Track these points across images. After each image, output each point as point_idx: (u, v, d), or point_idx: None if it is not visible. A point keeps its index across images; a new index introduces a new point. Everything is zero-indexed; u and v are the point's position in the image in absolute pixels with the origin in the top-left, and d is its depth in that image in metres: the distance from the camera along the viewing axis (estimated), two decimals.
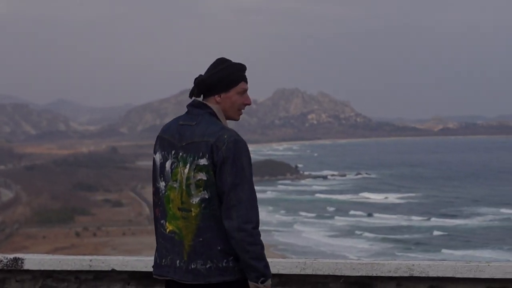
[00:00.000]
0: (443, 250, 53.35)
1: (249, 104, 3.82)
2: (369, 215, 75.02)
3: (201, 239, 3.65)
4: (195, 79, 3.75)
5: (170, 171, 3.77)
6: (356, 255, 51.49)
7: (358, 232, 63.38)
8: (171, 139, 3.78)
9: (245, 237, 3.57)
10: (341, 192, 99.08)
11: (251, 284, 3.63)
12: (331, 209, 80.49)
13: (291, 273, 4.63)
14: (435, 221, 69.70)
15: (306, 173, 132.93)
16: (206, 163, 3.61)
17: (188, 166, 3.67)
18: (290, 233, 64.47)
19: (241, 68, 3.79)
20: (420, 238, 59.91)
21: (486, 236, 59.80)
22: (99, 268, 4.99)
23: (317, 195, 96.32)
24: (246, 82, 3.80)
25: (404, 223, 68.88)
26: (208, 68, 3.76)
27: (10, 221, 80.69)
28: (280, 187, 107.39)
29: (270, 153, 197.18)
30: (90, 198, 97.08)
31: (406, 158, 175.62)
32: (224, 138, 3.62)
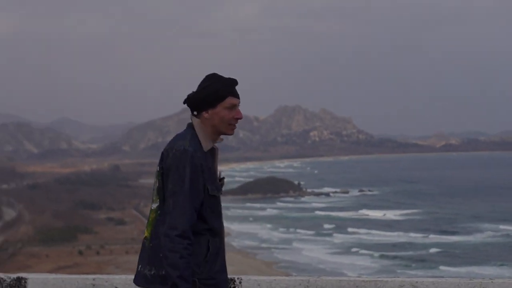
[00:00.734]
0: (442, 267, 53.20)
1: (239, 118, 3.81)
2: (368, 232, 74.76)
3: (151, 244, 3.73)
4: (187, 95, 3.82)
5: None
6: (356, 272, 51.43)
7: (357, 250, 63.21)
8: None
9: (166, 243, 3.57)
10: (340, 209, 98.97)
11: None
12: (330, 226, 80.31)
13: None
14: (434, 237, 69.52)
15: (309, 190, 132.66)
16: (158, 170, 3.77)
17: (155, 173, 3.83)
18: (290, 251, 64.32)
19: (229, 83, 3.79)
20: (419, 255, 59.74)
21: (485, 252, 59.57)
22: (102, 287, 4.94)
23: (317, 212, 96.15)
24: (236, 96, 3.80)
25: (403, 240, 68.65)
26: (199, 85, 3.82)
27: (13, 240, 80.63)
28: (279, 204, 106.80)
29: (271, 170, 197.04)
30: (93, 217, 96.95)
31: (407, 174, 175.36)
32: (174, 147, 3.71)
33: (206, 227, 3.75)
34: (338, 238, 71.86)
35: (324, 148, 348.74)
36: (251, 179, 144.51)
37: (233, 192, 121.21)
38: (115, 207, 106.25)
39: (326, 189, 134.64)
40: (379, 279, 4.66)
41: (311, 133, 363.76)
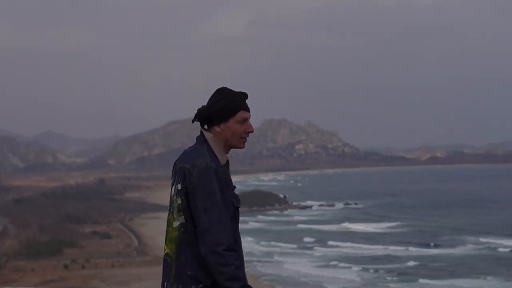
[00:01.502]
0: (421, 280, 53.18)
1: (251, 132, 3.87)
2: (349, 245, 74.47)
3: (177, 262, 3.74)
4: (198, 109, 3.86)
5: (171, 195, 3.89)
6: (337, 285, 51.75)
7: (337, 263, 63.11)
8: (175, 165, 3.88)
9: (217, 259, 3.60)
10: (323, 222, 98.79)
11: None
12: (311, 239, 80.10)
13: None
14: (414, 250, 69.49)
15: (294, 203, 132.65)
16: (180, 188, 3.74)
17: (173, 190, 3.81)
18: (272, 264, 64.15)
19: (240, 97, 3.83)
20: (398, 268, 59.69)
21: (466, 265, 59.44)
22: None
23: (299, 225, 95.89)
24: (247, 110, 3.85)
25: (384, 253, 68.57)
26: (209, 99, 3.84)
27: None
28: (261, 217, 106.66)
29: (256, 183, 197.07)
30: (79, 230, 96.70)
31: (392, 187, 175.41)
32: (196, 164, 3.72)
33: (234, 240, 3.77)
34: (319, 251, 71.77)
35: (310, 161, 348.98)
36: (236, 193, 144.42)
37: None
38: (101, 221, 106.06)
39: (311, 202, 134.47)
40: None
41: (297, 146, 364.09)
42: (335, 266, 61.87)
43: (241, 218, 4.10)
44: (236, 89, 3.88)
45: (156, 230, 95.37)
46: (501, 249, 68.08)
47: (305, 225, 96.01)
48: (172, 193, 3.82)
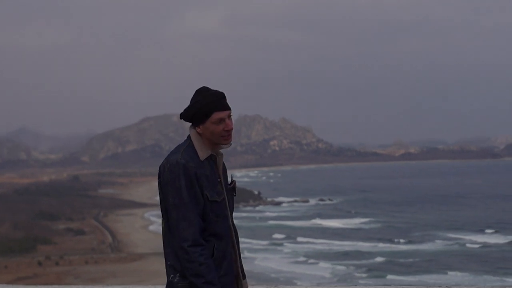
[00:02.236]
0: (389, 276, 53.20)
1: (228, 130, 3.94)
2: (318, 241, 74.44)
3: (164, 253, 3.94)
4: (180, 113, 4.00)
5: None
6: (309, 281, 51.87)
7: (307, 259, 63.09)
8: None
9: (183, 255, 3.75)
10: (294, 218, 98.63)
11: None
12: (281, 236, 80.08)
13: None
14: (383, 246, 69.74)
15: (269, 199, 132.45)
16: (158, 183, 3.90)
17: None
18: (243, 260, 64.41)
19: (213, 99, 3.91)
20: (368, 263, 59.83)
21: (434, 261, 59.48)
22: None
23: (270, 221, 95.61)
24: (223, 109, 3.92)
25: (352, 248, 68.64)
26: (190, 99, 3.95)
27: None
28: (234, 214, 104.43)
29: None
30: (52, 227, 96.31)
31: (365, 183, 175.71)
32: (169, 161, 3.85)
33: (210, 233, 3.88)
34: (288, 247, 71.76)
35: (284, 157, 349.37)
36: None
37: None
38: (74, 218, 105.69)
39: (286, 199, 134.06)
40: (337, 287, 4.84)
41: (271, 142, 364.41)
42: (305, 262, 61.83)
43: None
44: (212, 86, 4.01)
45: (130, 227, 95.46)
46: (469, 245, 68.74)
47: (276, 221, 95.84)
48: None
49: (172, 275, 3.84)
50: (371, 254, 64.83)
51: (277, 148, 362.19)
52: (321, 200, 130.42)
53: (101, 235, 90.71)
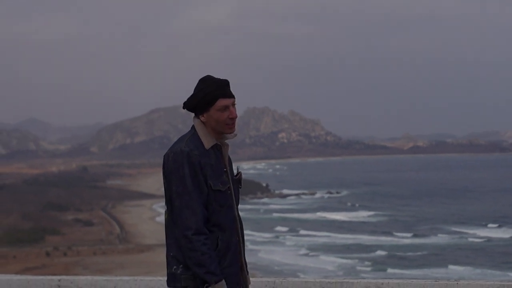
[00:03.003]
0: (391, 270, 53.13)
1: (233, 117, 3.93)
2: (322, 234, 74.38)
3: (166, 243, 3.93)
4: (184, 102, 3.99)
5: None
6: (312, 274, 51.81)
7: (310, 252, 63.18)
8: None
9: (186, 244, 3.74)
10: (299, 211, 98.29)
11: None
12: (284, 228, 79.98)
13: None
14: (388, 240, 69.78)
15: (277, 191, 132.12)
16: (163, 173, 3.88)
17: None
18: (247, 253, 64.06)
19: (217, 86, 3.90)
20: (371, 257, 59.81)
21: (438, 255, 59.40)
22: None
23: (274, 214, 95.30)
24: (227, 97, 3.92)
25: (355, 242, 68.64)
26: (194, 88, 3.95)
27: None
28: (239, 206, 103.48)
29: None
30: (61, 218, 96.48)
31: (373, 176, 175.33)
32: (173, 150, 3.86)
33: (214, 223, 3.88)
34: (291, 240, 71.71)
35: (292, 150, 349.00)
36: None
37: None
38: (83, 208, 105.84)
39: (292, 191, 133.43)
40: (345, 280, 4.67)
41: (279, 135, 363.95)
42: (308, 255, 61.84)
43: None
44: (221, 76, 4.03)
45: (138, 218, 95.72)
46: (471, 239, 68.58)
47: (281, 213, 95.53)
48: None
49: (175, 267, 3.84)
50: (374, 248, 64.78)
51: (285, 141, 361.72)
52: (329, 192, 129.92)
53: (109, 226, 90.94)
